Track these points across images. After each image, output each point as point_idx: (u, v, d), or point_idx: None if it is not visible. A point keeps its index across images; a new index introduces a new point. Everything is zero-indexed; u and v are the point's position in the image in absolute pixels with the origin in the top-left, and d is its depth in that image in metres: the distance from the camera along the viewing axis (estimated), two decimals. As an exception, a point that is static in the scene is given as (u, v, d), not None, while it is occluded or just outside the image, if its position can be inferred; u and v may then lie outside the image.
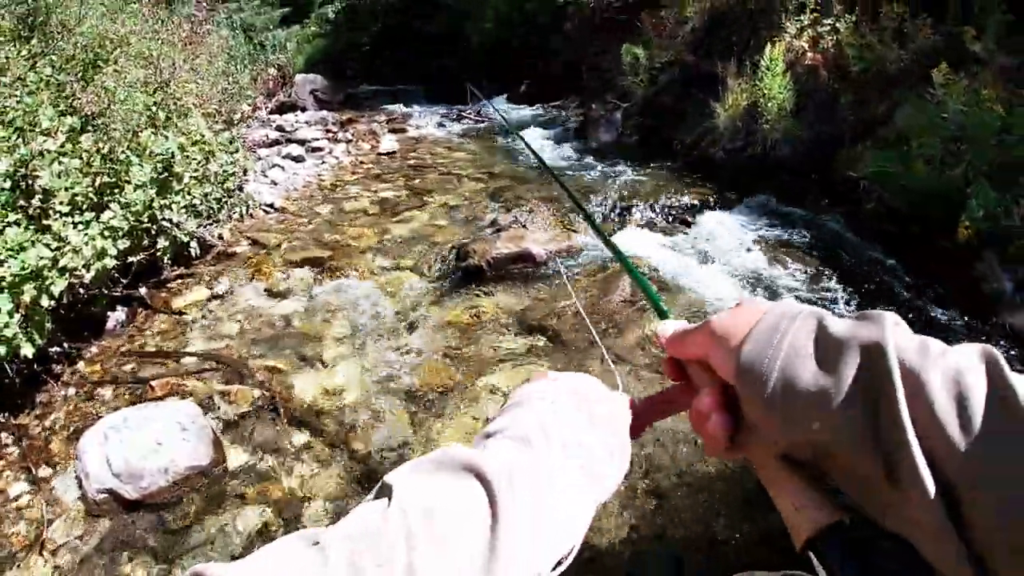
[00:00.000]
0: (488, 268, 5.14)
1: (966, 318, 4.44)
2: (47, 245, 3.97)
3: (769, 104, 6.95)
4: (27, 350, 3.74)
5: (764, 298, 0.74)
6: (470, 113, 12.77)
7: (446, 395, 3.85)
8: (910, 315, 4.58)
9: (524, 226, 5.65)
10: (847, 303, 4.75)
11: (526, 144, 1.69)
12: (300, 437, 3.62)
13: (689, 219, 6.26)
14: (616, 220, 6.26)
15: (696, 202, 6.55)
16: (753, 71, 7.37)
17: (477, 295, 4.93)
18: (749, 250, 5.54)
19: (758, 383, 0.49)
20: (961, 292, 4.63)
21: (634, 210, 6.41)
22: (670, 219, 6.32)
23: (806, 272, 5.15)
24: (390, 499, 0.50)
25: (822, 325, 0.49)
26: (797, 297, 4.78)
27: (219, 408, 3.87)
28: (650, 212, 6.39)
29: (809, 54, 7.26)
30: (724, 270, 5.19)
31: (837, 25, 7.15)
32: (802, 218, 6.23)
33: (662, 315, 0.71)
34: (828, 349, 0.47)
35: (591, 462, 0.59)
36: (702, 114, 8.06)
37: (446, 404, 3.78)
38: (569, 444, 0.59)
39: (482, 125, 11.89)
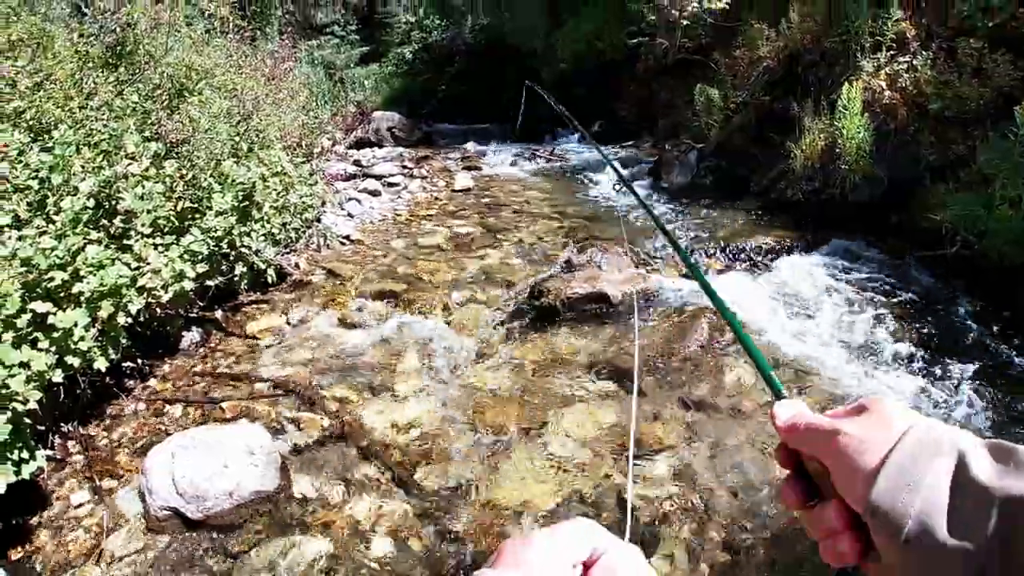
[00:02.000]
0: (562, 307, 5.05)
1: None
2: (127, 264, 4.06)
3: (847, 144, 6.73)
4: (100, 364, 3.79)
5: (885, 391, 0.64)
6: (545, 153, 12.80)
7: (517, 435, 3.74)
8: (995, 366, 4.34)
9: (599, 266, 5.56)
10: (931, 353, 4.49)
11: (625, 183, 1.60)
12: (367, 469, 3.56)
13: (768, 263, 6.07)
14: (694, 262, 6.10)
15: (775, 245, 6.35)
16: (830, 111, 7.18)
17: (551, 334, 4.83)
18: (830, 295, 5.34)
19: (892, 526, 0.47)
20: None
21: (711, 253, 6.25)
22: (748, 263, 6.13)
23: (888, 321, 4.91)
24: None
25: (962, 465, 0.46)
26: (878, 349, 4.55)
27: (288, 434, 3.85)
28: (727, 255, 6.22)
29: (887, 93, 7.03)
30: (805, 318, 4.98)
31: (914, 63, 6.94)
32: (882, 262, 6.00)
33: (777, 394, 0.67)
34: (968, 497, 0.45)
35: None
36: (778, 155, 7.87)
37: (516, 444, 3.67)
38: None
39: (555, 164, 11.89)
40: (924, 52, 6.94)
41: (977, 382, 4.14)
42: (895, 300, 5.28)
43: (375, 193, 9.22)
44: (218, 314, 5.40)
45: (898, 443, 0.49)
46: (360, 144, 13.23)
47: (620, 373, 4.21)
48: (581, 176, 10.52)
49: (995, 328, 4.75)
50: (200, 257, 4.62)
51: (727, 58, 10.39)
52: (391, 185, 9.86)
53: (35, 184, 3.95)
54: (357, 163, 11.31)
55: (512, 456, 3.57)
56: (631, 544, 0.61)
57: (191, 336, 5.06)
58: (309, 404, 4.10)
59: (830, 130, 7.09)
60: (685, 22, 12.07)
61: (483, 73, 18.44)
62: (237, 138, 5.91)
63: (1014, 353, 4.45)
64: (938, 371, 4.25)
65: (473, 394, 4.16)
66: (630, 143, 13.11)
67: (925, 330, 4.82)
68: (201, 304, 5.09)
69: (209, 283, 5.00)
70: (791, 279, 5.67)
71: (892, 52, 7.24)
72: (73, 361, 3.62)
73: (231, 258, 5.28)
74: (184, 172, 4.91)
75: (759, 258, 6.16)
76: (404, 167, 11.19)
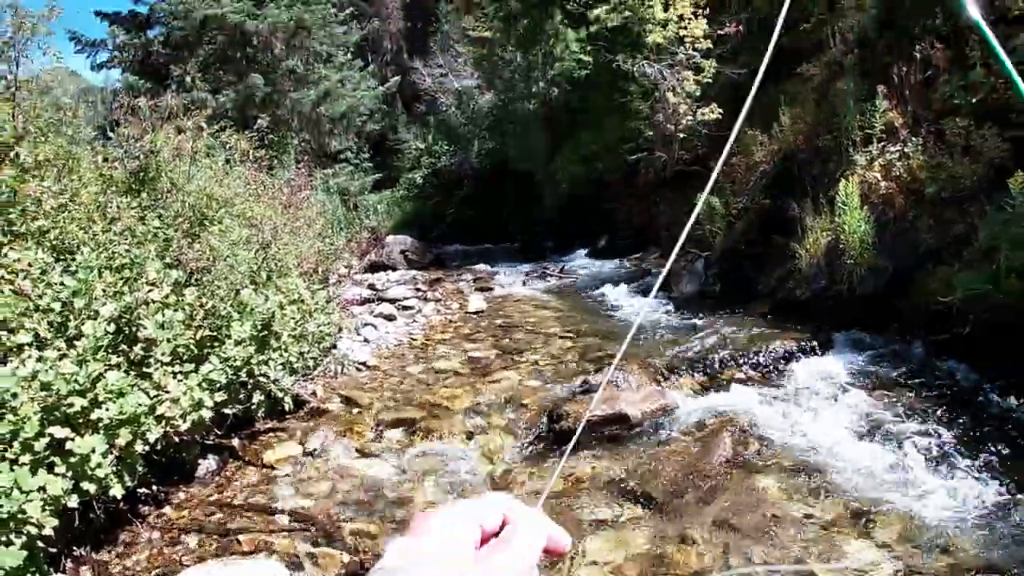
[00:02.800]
0: (582, 430, 4.99)
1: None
2: (146, 392, 4.08)
3: (850, 239, 6.82)
4: (117, 491, 3.76)
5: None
6: (554, 271, 13.00)
7: (544, 568, 3.63)
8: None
9: (616, 386, 5.53)
10: (959, 440, 4.39)
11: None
12: (390, 609, 3.43)
13: (784, 368, 6.03)
14: (708, 376, 6.06)
15: (790, 348, 6.31)
16: (829, 207, 7.32)
17: (571, 459, 4.75)
18: (848, 392, 5.29)
19: None
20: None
21: (726, 363, 6.21)
22: (765, 370, 6.09)
23: (910, 409, 4.86)
24: None
25: None
26: (904, 444, 4.46)
27: (306, 570, 3.74)
28: (743, 364, 6.17)
29: (883, 183, 7.16)
30: (829, 420, 4.88)
31: (906, 150, 7.11)
32: (896, 351, 5.98)
33: None
34: None
35: None
36: (783, 256, 7.98)
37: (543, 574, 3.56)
38: None
39: (566, 282, 12.05)
40: (914, 138, 7.12)
41: (1009, 463, 4.05)
42: (911, 386, 5.25)
43: (390, 317, 9.33)
44: (235, 442, 5.37)
45: None
46: (374, 268, 13.51)
47: (647, 496, 4.11)
48: (591, 292, 10.64)
49: (1015, 403, 4.70)
50: (218, 386, 4.64)
51: (725, 166, 10.68)
52: (406, 308, 9.99)
53: (57, 306, 4.02)
54: (372, 287, 11.51)
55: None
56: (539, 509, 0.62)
57: (207, 464, 5.01)
58: (328, 538, 4.00)
59: (831, 227, 7.21)
60: (681, 135, 12.54)
61: (489, 196, 19.04)
62: (256, 267, 6.04)
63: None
64: (967, 461, 4.15)
65: (496, 524, 4.06)
66: (636, 256, 13.34)
67: (943, 409, 4.78)
68: (218, 432, 5.08)
69: (227, 411, 5.00)
70: (809, 381, 5.63)
71: (883, 142, 7.42)
72: (89, 487, 3.60)
73: (249, 386, 5.30)
74: (204, 301, 5.01)
75: (775, 364, 6.12)
76: (418, 290, 11.37)
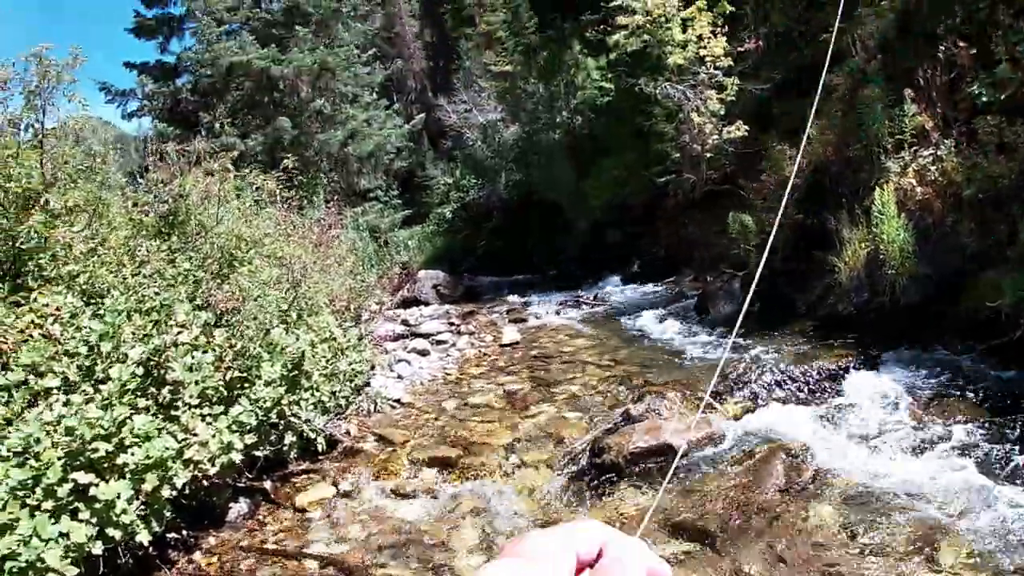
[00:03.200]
0: (626, 464, 4.78)
1: None
2: (174, 435, 3.99)
3: (889, 249, 6.58)
4: (143, 537, 3.67)
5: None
6: (587, 299, 12.82)
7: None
8: None
9: (659, 414, 5.32)
10: (1019, 448, 4.15)
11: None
12: (430, 663, 3.25)
13: (833, 386, 5.76)
14: (754, 399, 5.81)
15: (836, 365, 6.05)
16: (866, 218, 7.08)
17: (616, 494, 4.55)
18: (901, 409, 5.03)
19: None
20: None
21: (772, 386, 5.95)
22: (813, 389, 5.83)
23: (967, 424, 4.59)
24: None
25: None
26: (963, 454, 4.19)
27: (343, 624, 3.58)
28: (789, 385, 5.91)
29: (919, 189, 6.91)
30: (884, 441, 4.61)
31: (939, 153, 6.86)
32: (946, 362, 5.70)
33: None
34: None
35: None
36: (822, 271, 7.73)
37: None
38: None
39: (599, 309, 11.85)
40: (946, 141, 6.87)
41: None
42: (966, 399, 4.98)
43: (424, 353, 9.21)
44: (267, 484, 5.26)
45: None
46: (407, 303, 13.45)
47: (699, 531, 3.88)
48: (626, 318, 10.42)
49: None
50: (248, 428, 4.55)
51: (754, 183, 10.48)
52: (439, 343, 9.87)
53: (84, 349, 3.97)
54: (405, 322, 11.43)
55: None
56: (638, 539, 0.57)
57: (239, 508, 4.90)
58: (364, 586, 3.85)
59: (869, 237, 6.97)
60: (708, 155, 12.36)
61: (518, 227, 18.98)
62: (286, 306, 5.97)
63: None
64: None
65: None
66: (671, 279, 13.11)
67: (1002, 420, 4.51)
68: (250, 475, 4.96)
69: (258, 453, 4.89)
70: (860, 400, 5.36)
71: (914, 147, 7.20)
72: (115, 533, 3.52)
73: (280, 427, 5.19)
74: (233, 342, 4.94)
75: (822, 383, 5.86)
76: (451, 323, 11.26)
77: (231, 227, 6.20)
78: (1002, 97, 6.39)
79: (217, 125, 16.44)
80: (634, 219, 14.85)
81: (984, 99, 6.56)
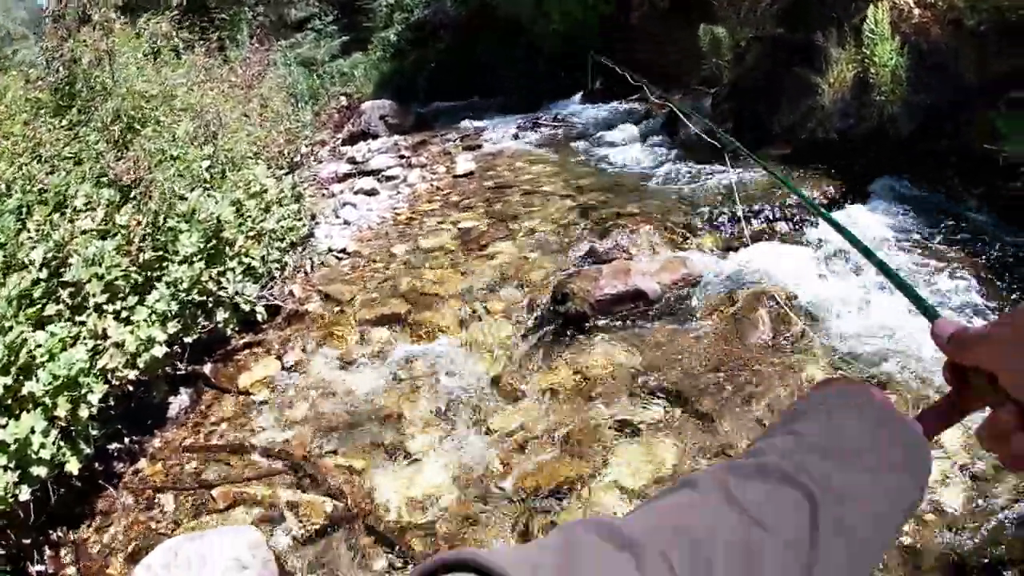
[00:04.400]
0: (592, 312, 4.30)
1: None
2: (85, 343, 3.45)
3: (880, 73, 5.93)
4: (72, 466, 3.25)
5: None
6: (547, 120, 11.99)
7: (559, 492, 3.05)
8: None
9: (627, 252, 4.81)
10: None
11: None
12: (382, 561, 2.91)
13: (812, 220, 5.27)
14: (732, 234, 5.30)
15: (817, 196, 5.56)
16: (855, 37, 6.33)
17: (583, 348, 4.09)
18: (898, 255, 4.53)
19: None
20: None
21: (750, 218, 5.42)
22: (792, 222, 5.33)
23: (957, 275, 4.15)
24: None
25: None
26: (947, 304, 3.82)
27: (287, 524, 3.22)
28: (770, 218, 5.41)
29: (916, 11, 6.17)
30: (871, 283, 4.17)
31: None
32: (937, 205, 5.21)
33: (930, 314, 0.67)
34: None
35: (893, 482, 0.55)
36: (802, 91, 6.99)
37: (560, 505, 2.98)
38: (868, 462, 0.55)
39: (560, 131, 11.08)
40: None
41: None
42: (956, 247, 4.52)
43: (372, 192, 8.51)
44: (207, 368, 4.78)
45: None
46: (354, 138, 12.51)
47: (676, 394, 3.46)
48: (589, 140, 9.72)
49: None
50: (171, 315, 4.00)
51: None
52: (389, 179, 9.15)
53: None
54: (352, 160, 10.61)
55: (559, 521, 2.90)
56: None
57: (180, 400, 4.45)
58: (310, 480, 3.45)
59: (858, 58, 6.26)
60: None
61: (470, 46, 17.60)
62: (204, 163, 5.22)
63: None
64: None
65: (499, 443, 3.46)
66: (635, 96, 12.25)
67: (992, 276, 4.12)
68: (185, 361, 4.46)
69: (187, 339, 4.36)
70: (837, 237, 4.86)
71: None
72: (39, 471, 3.07)
73: (209, 305, 4.62)
74: (140, 218, 4.27)
75: (805, 214, 5.36)
76: (401, 156, 10.46)
77: (130, 85, 5.36)
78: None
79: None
80: (598, 35, 13.71)
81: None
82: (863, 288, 4.11)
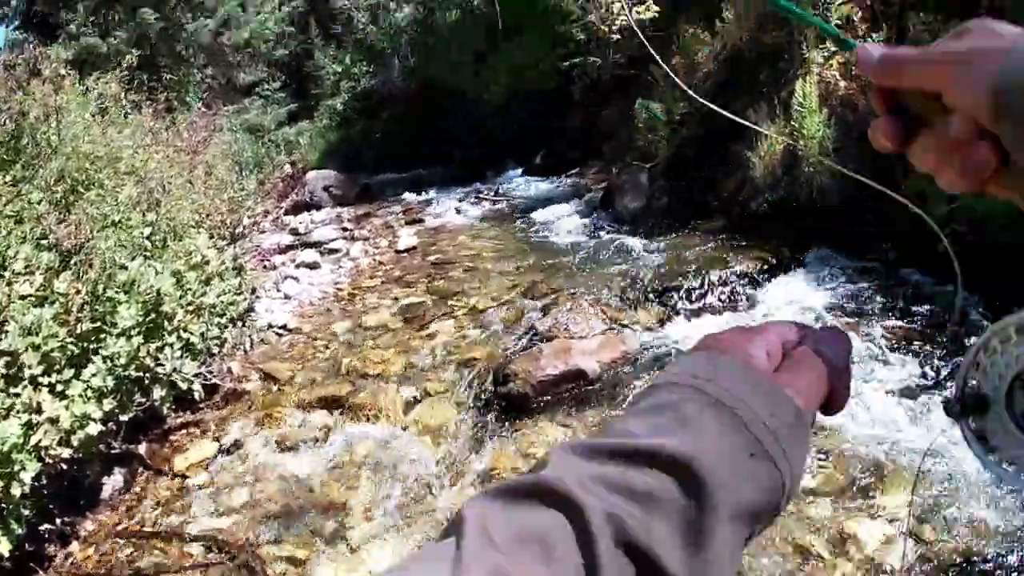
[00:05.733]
0: (534, 392, 4.38)
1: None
2: (18, 416, 3.35)
3: (809, 145, 6.31)
4: (2, 547, 3.14)
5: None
6: (488, 194, 12.23)
7: None
8: None
9: (568, 330, 4.91)
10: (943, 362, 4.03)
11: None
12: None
13: (752, 292, 5.51)
14: (669, 307, 5.47)
15: (752, 268, 5.79)
16: (785, 111, 6.76)
17: (525, 430, 4.15)
18: (824, 319, 4.79)
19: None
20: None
21: (684, 289, 5.62)
22: (727, 295, 5.54)
23: (896, 338, 4.42)
24: None
25: None
26: (898, 377, 4.03)
27: (223, 618, 3.13)
28: (706, 291, 5.61)
29: (842, 83, 6.63)
30: None
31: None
32: (868, 269, 5.53)
33: (843, 44, 0.58)
34: None
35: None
36: (735, 166, 7.43)
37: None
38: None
39: (501, 205, 11.30)
40: (874, 34, 6.58)
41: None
42: (894, 310, 4.80)
43: (314, 266, 8.51)
44: (143, 448, 4.65)
45: (1017, 38, 0.43)
46: (297, 208, 12.52)
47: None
48: (529, 215, 9.91)
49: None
50: (107, 390, 3.91)
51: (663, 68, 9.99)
52: (331, 252, 9.18)
53: None
54: (294, 231, 10.63)
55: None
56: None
57: (114, 481, 4.32)
58: (249, 571, 3.38)
59: (787, 131, 6.65)
60: (616, 36, 11.68)
61: (416, 117, 17.94)
62: (147, 231, 5.17)
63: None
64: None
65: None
66: (575, 171, 12.60)
67: (933, 335, 4.39)
68: (120, 440, 4.34)
69: (123, 418, 4.26)
70: (779, 307, 5.13)
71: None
72: None
73: (145, 381, 4.53)
74: (80, 286, 4.21)
75: (741, 289, 5.58)
76: (344, 229, 10.52)
77: (77, 144, 5.31)
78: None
79: (73, 26, 14.61)
80: (539, 107, 14.14)
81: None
82: None
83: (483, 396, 4.60)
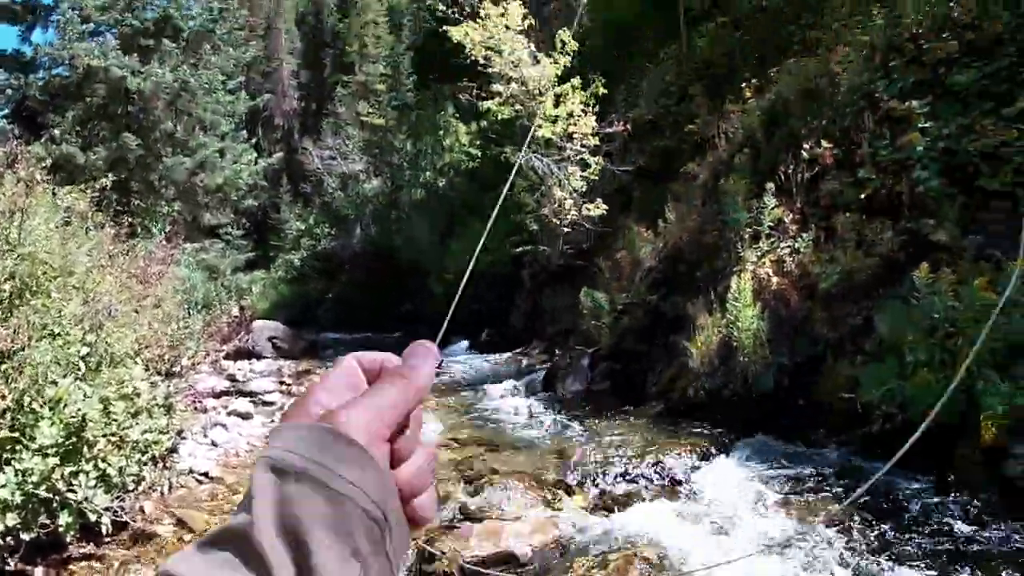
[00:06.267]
0: (460, 574, 4.21)
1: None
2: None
3: (743, 337, 6.66)
4: None
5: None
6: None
7: None
8: (946, 540, 4.03)
9: (500, 510, 4.83)
10: (883, 544, 4.06)
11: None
12: None
13: (686, 478, 5.54)
14: (604, 492, 5.45)
15: (687, 455, 5.86)
16: (720, 304, 7.17)
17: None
18: (760, 508, 4.80)
19: None
20: (1002, 495, 4.29)
21: (624, 475, 5.63)
22: (665, 482, 5.55)
23: (831, 524, 4.42)
24: None
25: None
26: (836, 561, 4.01)
27: None
28: (641, 476, 5.61)
29: (775, 279, 7.11)
30: (744, 542, 4.34)
31: (796, 245, 7.17)
32: (804, 455, 5.67)
33: None
34: None
35: None
36: (673, 354, 7.73)
37: None
38: None
39: (444, 378, 11.34)
40: (804, 234, 7.18)
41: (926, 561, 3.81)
42: (828, 495, 4.88)
43: (246, 416, 8.31)
44: (39, 571, 4.30)
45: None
46: (239, 355, 12.33)
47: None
48: (472, 390, 9.98)
49: (936, 500, 4.52)
50: (13, 505, 3.70)
51: (610, 261, 10.57)
52: (266, 404, 9.01)
53: None
54: (232, 378, 10.45)
55: None
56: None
57: (7, 602, 3.96)
58: None
59: (723, 323, 7.05)
60: (566, 230, 12.39)
61: (371, 283, 18.32)
62: (83, 351, 5.06)
63: (961, 519, 4.25)
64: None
65: None
66: (519, 350, 12.85)
67: (864, 516, 4.43)
68: (16, 559, 4.02)
69: (24, 536, 3.98)
70: (714, 495, 5.14)
71: (772, 239, 7.45)
72: None
73: (54, 504, 4.27)
74: (6, 392, 4.07)
75: (676, 475, 5.61)
76: (282, 383, 10.40)
77: (35, 249, 5.29)
78: (862, 196, 6.79)
79: (57, 131, 14.97)
80: (490, 288, 14.62)
81: (844, 198, 6.93)
82: (741, 547, 4.27)
83: (406, 572, 4.40)
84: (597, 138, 11.92)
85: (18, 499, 3.74)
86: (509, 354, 12.81)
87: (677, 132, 11.56)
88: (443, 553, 4.32)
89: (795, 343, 6.57)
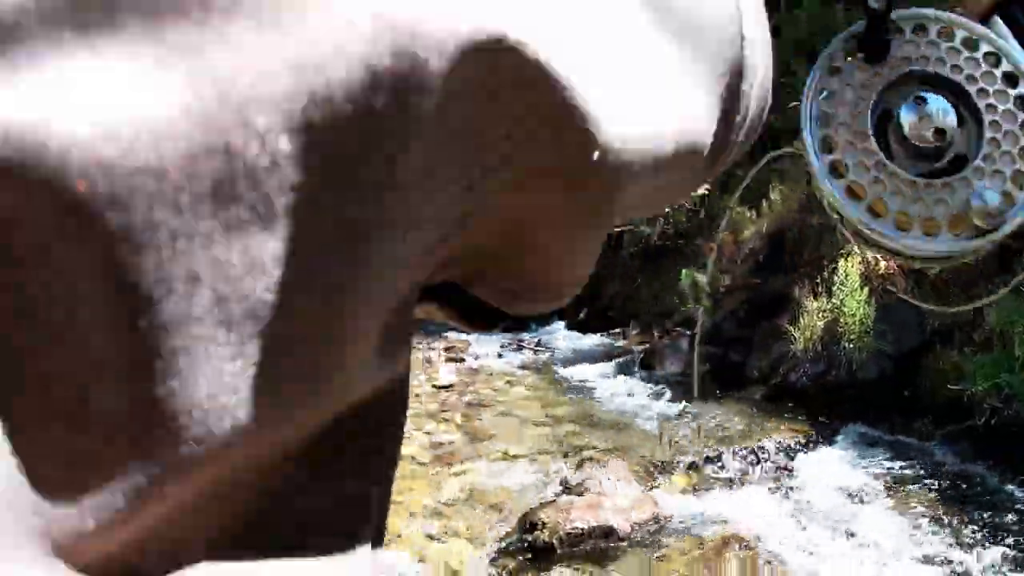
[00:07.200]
0: (560, 545, 4.25)
1: None
2: None
3: (849, 322, 6.39)
4: None
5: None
6: (530, 343, 12.35)
7: None
8: None
9: (600, 485, 4.83)
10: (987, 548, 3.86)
11: None
12: None
13: (786, 464, 5.40)
14: (704, 474, 5.38)
15: (789, 441, 5.72)
16: (826, 289, 6.88)
17: (549, 580, 4.03)
18: (863, 500, 4.67)
19: None
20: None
21: (723, 460, 5.53)
22: (765, 467, 5.42)
23: (933, 519, 4.29)
24: None
25: None
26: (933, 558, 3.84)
27: None
28: (741, 460, 5.50)
29: (883, 264, 6.75)
30: (848, 537, 4.23)
31: None
32: (906, 446, 5.45)
33: None
34: None
35: None
36: (775, 339, 7.50)
37: None
38: None
39: (542, 356, 11.38)
40: None
41: None
42: (931, 491, 4.70)
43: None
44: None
45: None
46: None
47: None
48: (569, 369, 9.95)
49: None
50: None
51: (711, 242, 10.31)
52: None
53: None
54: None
55: None
56: None
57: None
58: None
59: (829, 308, 6.77)
60: (667, 208, 12.14)
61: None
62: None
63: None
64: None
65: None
66: (617, 330, 12.71)
67: (970, 517, 4.28)
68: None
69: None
70: (815, 484, 5.00)
71: None
72: None
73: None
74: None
75: (776, 461, 5.48)
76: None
77: None
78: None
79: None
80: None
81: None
82: (839, 538, 4.16)
83: (506, 541, 4.49)
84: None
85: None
86: (606, 333, 12.70)
87: (784, 110, 11.13)
88: (544, 524, 4.37)
89: (904, 331, 6.31)
